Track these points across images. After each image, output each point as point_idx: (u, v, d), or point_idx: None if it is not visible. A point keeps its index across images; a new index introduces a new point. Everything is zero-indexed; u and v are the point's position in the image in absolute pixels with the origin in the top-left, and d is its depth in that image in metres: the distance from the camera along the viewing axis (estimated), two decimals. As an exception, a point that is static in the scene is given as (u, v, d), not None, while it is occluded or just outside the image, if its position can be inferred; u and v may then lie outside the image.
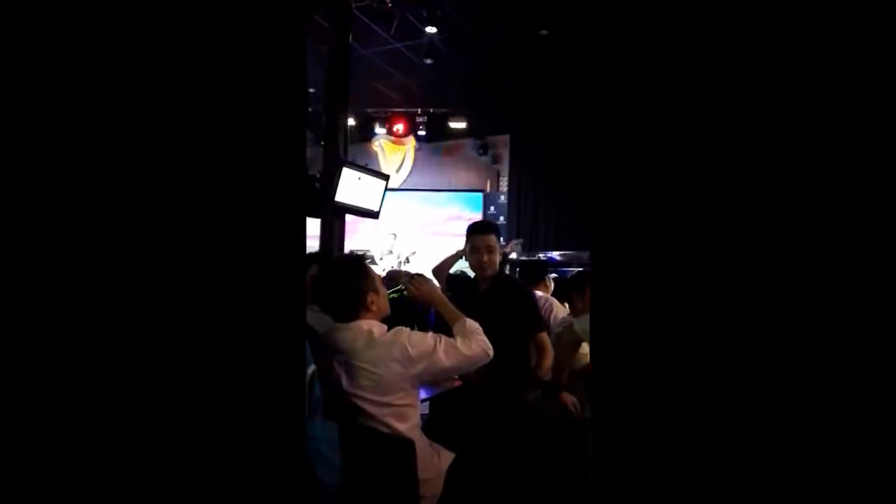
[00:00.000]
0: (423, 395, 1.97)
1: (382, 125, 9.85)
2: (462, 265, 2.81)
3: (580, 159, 7.06)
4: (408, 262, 9.56)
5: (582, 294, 2.76)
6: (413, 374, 1.58)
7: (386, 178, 5.74)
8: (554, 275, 3.86)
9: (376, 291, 1.69)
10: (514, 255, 5.92)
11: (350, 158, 5.60)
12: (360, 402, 1.57)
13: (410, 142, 10.23)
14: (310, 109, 9.27)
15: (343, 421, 1.52)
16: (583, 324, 2.21)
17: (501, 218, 9.56)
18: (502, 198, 9.82)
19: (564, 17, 5.24)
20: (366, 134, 10.04)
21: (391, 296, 1.91)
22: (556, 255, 6.19)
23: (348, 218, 5.67)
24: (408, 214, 9.96)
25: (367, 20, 6.27)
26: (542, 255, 6.33)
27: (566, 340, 2.35)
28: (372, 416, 1.57)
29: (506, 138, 9.66)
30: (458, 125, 9.41)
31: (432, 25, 6.45)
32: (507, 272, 3.85)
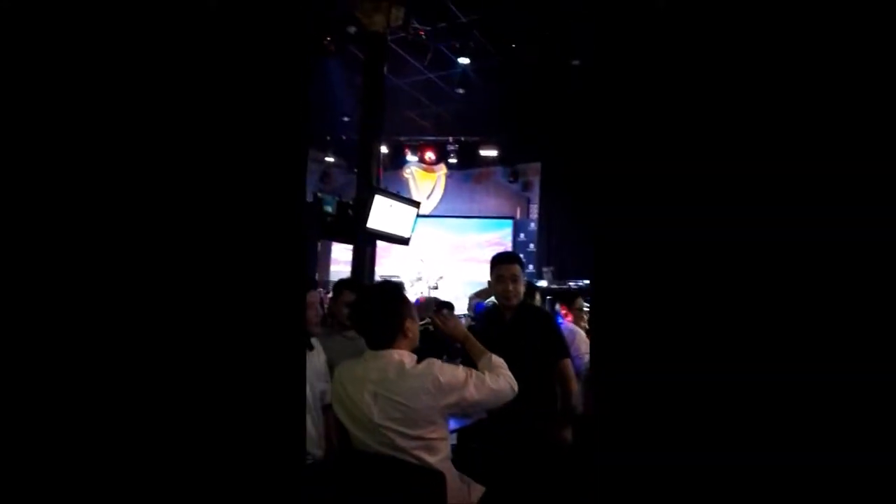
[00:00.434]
0: (452, 425, 1.95)
1: (414, 153, 10.00)
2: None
3: (581, 159, 7.02)
4: (436, 287, 9.57)
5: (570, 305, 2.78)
6: (444, 406, 1.57)
7: (417, 205, 5.81)
8: (587, 306, 3.81)
9: (413, 319, 1.70)
10: (544, 283, 5.87)
11: (382, 186, 5.70)
12: (389, 434, 1.56)
13: (441, 169, 10.35)
14: (343, 137, 9.52)
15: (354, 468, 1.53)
16: None
17: (532, 245, 9.52)
18: (532, 225, 9.80)
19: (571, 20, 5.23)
20: (398, 161, 10.21)
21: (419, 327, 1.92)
22: (587, 283, 6.12)
23: (378, 243, 5.75)
24: (437, 240, 10.02)
25: (401, 52, 6.43)
26: (572, 284, 6.26)
27: None
28: (402, 449, 1.56)
29: (537, 166, 9.69)
30: (489, 153, 9.49)
31: (465, 56, 6.58)
32: (539, 301, 3.82)
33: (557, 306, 3.76)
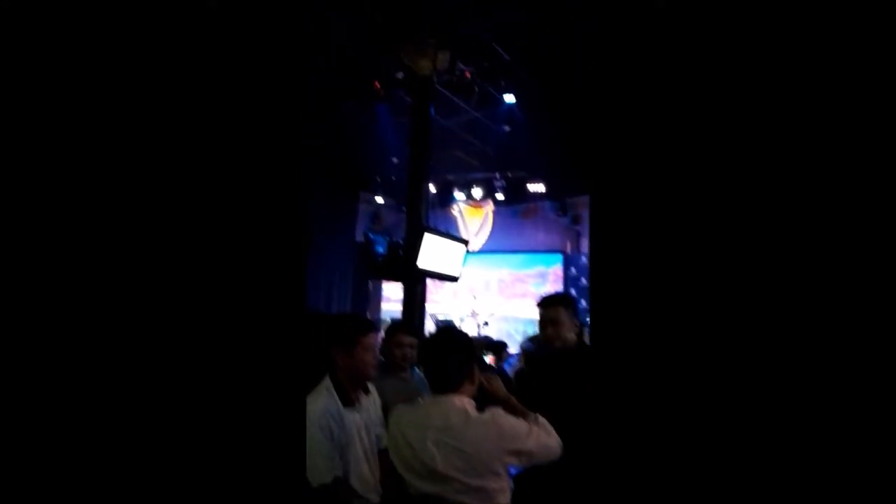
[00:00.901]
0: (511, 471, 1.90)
1: (461, 190, 10.10)
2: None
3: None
4: (486, 324, 9.48)
5: None
6: (506, 455, 1.54)
7: (466, 242, 5.81)
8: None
9: (478, 364, 1.70)
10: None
11: (430, 223, 5.75)
12: (451, 483, 1.52)
13: (489, 205, 10.39)
14: (393, 178, 9.73)
15: None
16: None
17: (584, 279, 9.33)
18: (584, 259, 9.63)
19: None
20: (446, 199, 10.32)
21: None
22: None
23: (429, 281, 5.76)
24: (487, 277, 9.97)
25: (447, 93, 6.57)
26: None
27: None
28: (462, 500, 1.52)
29: (586, 199, 9.58)
30: (536, 188, 9.47)
31: (510, 94, 6.65)
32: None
33: None
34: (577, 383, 2.27)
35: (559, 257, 9.93)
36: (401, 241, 5.37)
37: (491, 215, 10.47)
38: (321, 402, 1.81)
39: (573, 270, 9.70)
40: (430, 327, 7.62)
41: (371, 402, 2.05)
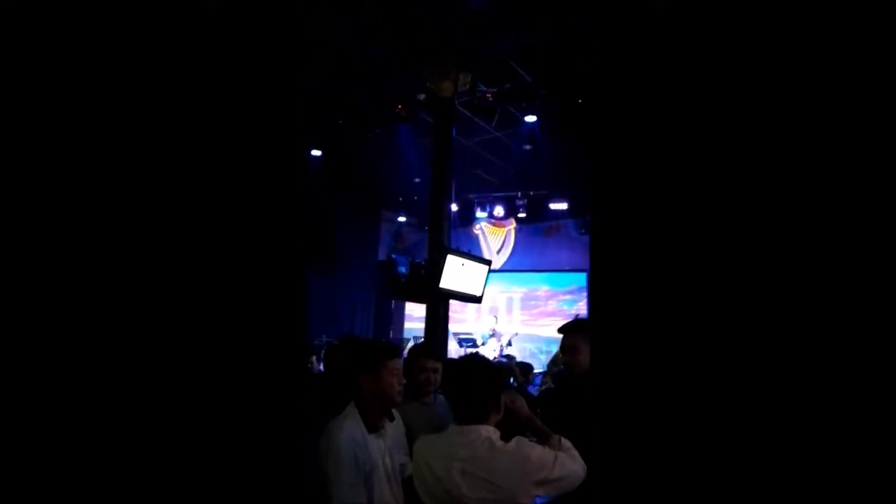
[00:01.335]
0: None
1: (483, 209, 10.11)
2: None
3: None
4: (510, 344, 9.40)
5: None
6: (533, 485, 1.52)
7: (488, 263, 5.80)
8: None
9: (503, 392, 1.69)
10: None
11: (452, 242, 5.77)
12: (477, 514, 1.51)
13: (511, 224, 10.38)
14: (415, 198, 9.80)
15: None
16: None
17: (607, 298, 9.22)
18: (607, 277, 9.53)
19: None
20: (467, 218, 10.34)
21: None
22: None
23: (451, 300, 5.76)
24: (509, 295, 9.92)
25: (468, 114, 6.62)
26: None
27: None
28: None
29: (608, 217, 9.51)
30: (559, 206, 9.43)
31: (531, 114, 6.68)
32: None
33: None
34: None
35: (583, 276, 9.84)
36: (423, 262, 5.39)
37: (513, 234, 10.45)
38: (347, 428, 1.82)
39: (597, 289, 9.60)
40: (452, 347, 7.59)
41: (395, 427, 2.04)
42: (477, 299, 5.65)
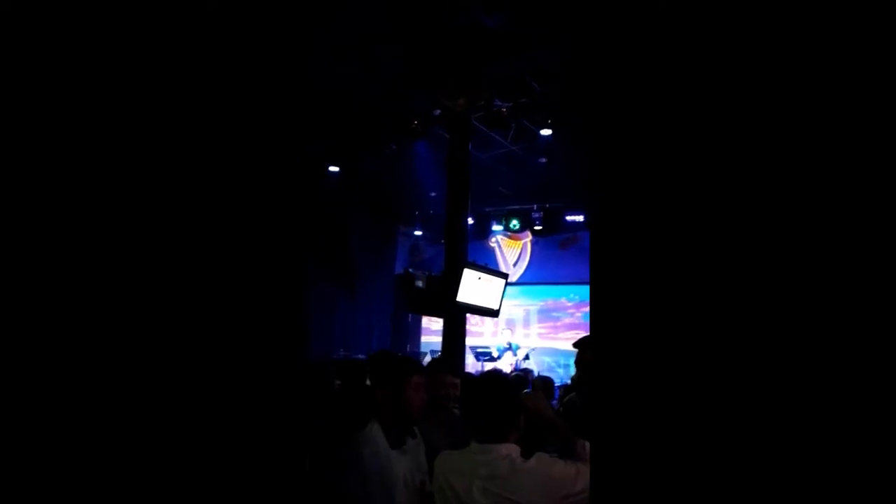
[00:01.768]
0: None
1: (499, 222, 10.13)
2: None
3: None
4: (527, 358, 9.35)
5: None
6: (556, 502, 1.51)
7: (505, 276, 5.80)
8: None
9: (522, 410, 1.68)
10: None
11: (468, 255, 5.79)
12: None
13: (527, 236, 10.37)
14: (431, 212, 9.86)
15: None
16: None
17: (625, 310, 9.15)
18: (625, 289, 9.45)
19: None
20: (483, 231, 10.36)
21: None
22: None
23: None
24: (527, 308, 9.89)
25: (484, 128, 6.68)
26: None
27: None
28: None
29: (625, 229, 9.45)
30: (575, 218, 9.42)
31: (547, 127, 6.71)
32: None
33: None
34: None
35: (600, 288, 9.77)
36: (439, 275, 5.42)
37: (529, 246, 10.44)
38: (369, 444, 1.84)
39: (614, 301, 9.53)
40: (469, 360, 7.57)
41: (416, 446, 2.05)
42: (494, 313, 5.65)
